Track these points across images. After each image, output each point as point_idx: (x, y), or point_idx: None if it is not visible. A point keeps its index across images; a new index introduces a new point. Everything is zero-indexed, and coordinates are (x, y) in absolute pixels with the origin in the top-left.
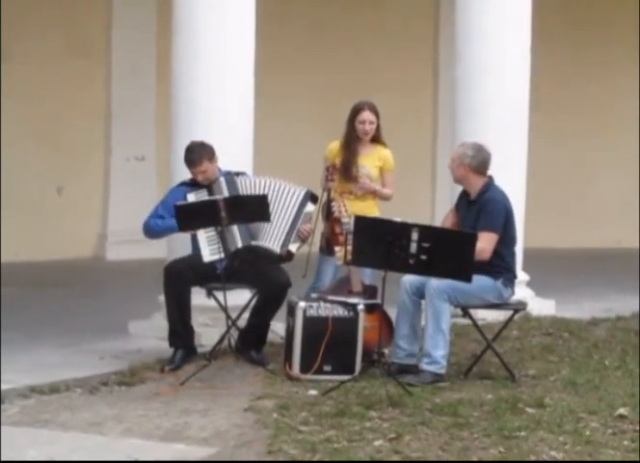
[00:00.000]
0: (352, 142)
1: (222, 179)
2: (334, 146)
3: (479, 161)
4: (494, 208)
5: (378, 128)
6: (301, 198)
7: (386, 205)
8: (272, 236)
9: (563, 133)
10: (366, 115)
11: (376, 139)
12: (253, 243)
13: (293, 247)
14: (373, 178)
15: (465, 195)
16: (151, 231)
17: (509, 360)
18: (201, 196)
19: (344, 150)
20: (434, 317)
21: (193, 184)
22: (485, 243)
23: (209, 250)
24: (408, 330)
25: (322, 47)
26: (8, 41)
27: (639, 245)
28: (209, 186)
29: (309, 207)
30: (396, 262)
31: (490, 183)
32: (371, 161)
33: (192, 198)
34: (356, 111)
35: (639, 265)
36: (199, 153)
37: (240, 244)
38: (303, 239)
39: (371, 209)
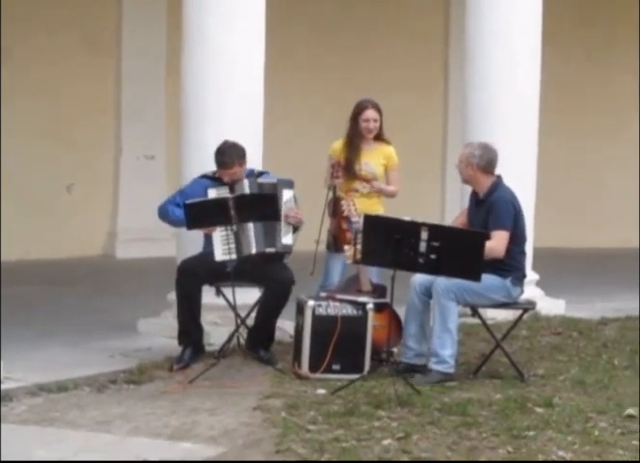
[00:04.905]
0: (355, 140)
1: (245, 181)
2: (338, 144)
3: (486, 160)
4: (503, 207)
5: (381, 126)
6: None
7: (395, 204)
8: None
9: (573, 132)
10: (370, 113)
11: (378, 136)
12: (267, 250)
13: (287, 239)
14: (378, 176)
15: (474, 195)
16: (165, 217)
17: (518, 359)
18: (222, 193)
19: (347, 148)
20: (441, 317)
21: (215, 179)
22: (496, 241)
23: (222, 249)
24: (416, 329)
25: (331, 46)
26: (18, 40)
27: None
28: (232, 184)
29: (287, 195)
30: (405, 261)
31: (498, 182)
32: (375, 159)
33: (213, 194)
34: (359, 109)
35: None
36: (231, 157)
37: (254, 251)
38: (291, 225)
39: (376, 207)
